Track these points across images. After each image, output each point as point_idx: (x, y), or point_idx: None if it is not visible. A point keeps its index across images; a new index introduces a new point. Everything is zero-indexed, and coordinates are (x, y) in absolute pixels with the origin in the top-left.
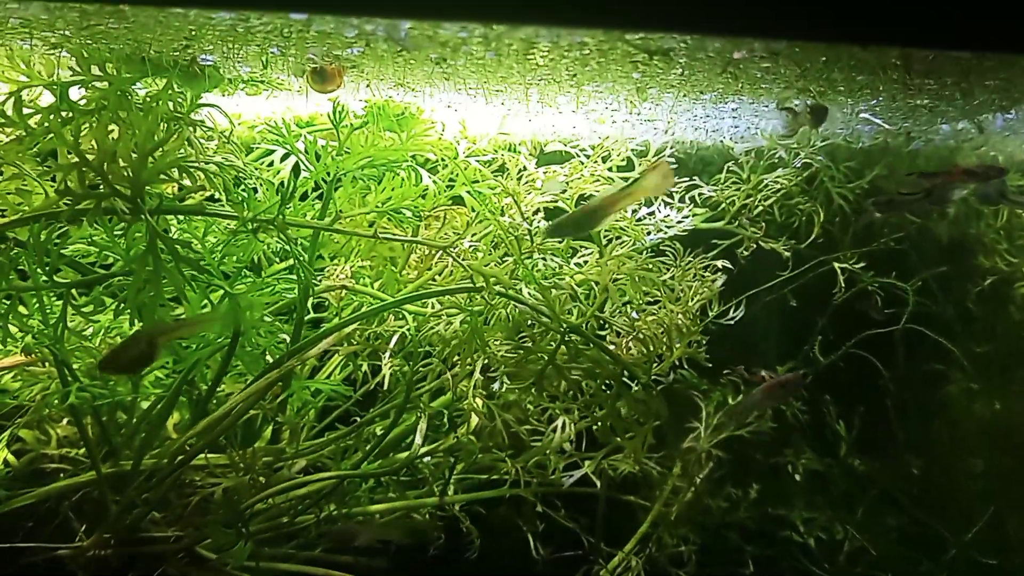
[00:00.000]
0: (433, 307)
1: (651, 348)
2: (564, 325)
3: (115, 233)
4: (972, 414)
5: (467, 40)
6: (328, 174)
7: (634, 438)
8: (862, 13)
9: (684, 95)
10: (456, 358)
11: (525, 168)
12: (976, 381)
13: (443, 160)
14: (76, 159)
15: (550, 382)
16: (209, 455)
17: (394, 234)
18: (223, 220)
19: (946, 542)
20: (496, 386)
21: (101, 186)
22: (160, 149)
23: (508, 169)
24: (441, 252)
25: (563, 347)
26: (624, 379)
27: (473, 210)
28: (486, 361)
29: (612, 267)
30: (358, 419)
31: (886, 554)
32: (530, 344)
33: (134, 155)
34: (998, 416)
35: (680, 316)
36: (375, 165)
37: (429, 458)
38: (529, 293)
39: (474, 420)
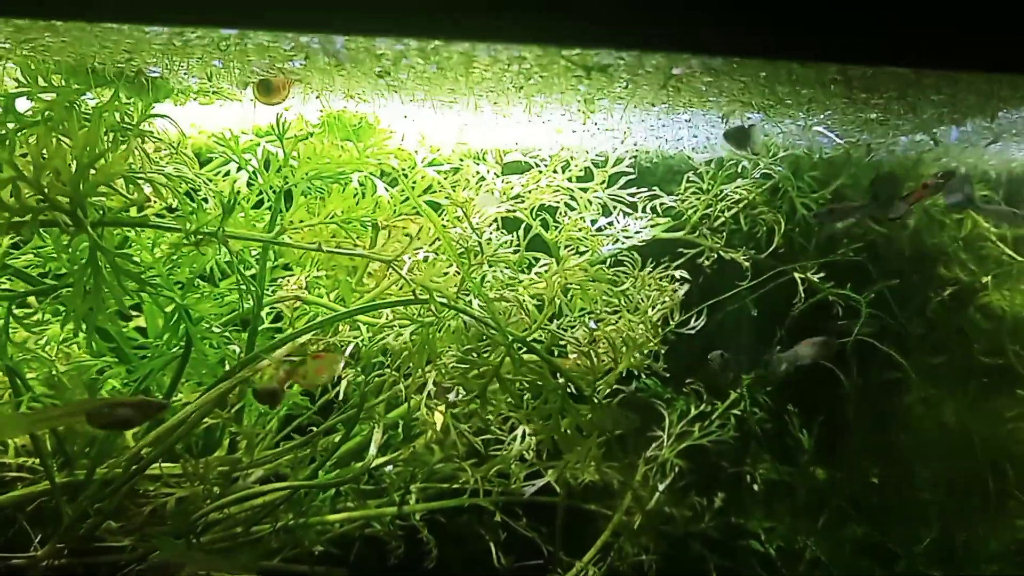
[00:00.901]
0: (387, 318)
1: (596, 360)
2: (509, 337)
3: (62, 244)
4: (931, 424)
5: (405, 53)
6: (277, 185)
7: (578, 451)
8: (796, 29)
9: (634, 107)
10: (408, 369)
11: (483, 178)
12: (934, 390)
13: (403, 171)
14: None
15: (496, 395)
16: (164, 464)
17: (342, 246)
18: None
19: (898, 554)
20: (452, 396)
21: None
22: (101, 160)
23: (465, 180)
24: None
25: (510, 359)
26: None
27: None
28: (437, 373)
29: (561, 277)
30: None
31: (842, 563)
32: (475, 357)
33: (74, 168)
34: (957, 426)
35: (640, 326)
36: (325, 177)
37: (391, 468)
38: (478, 305)
39: (438, 426)
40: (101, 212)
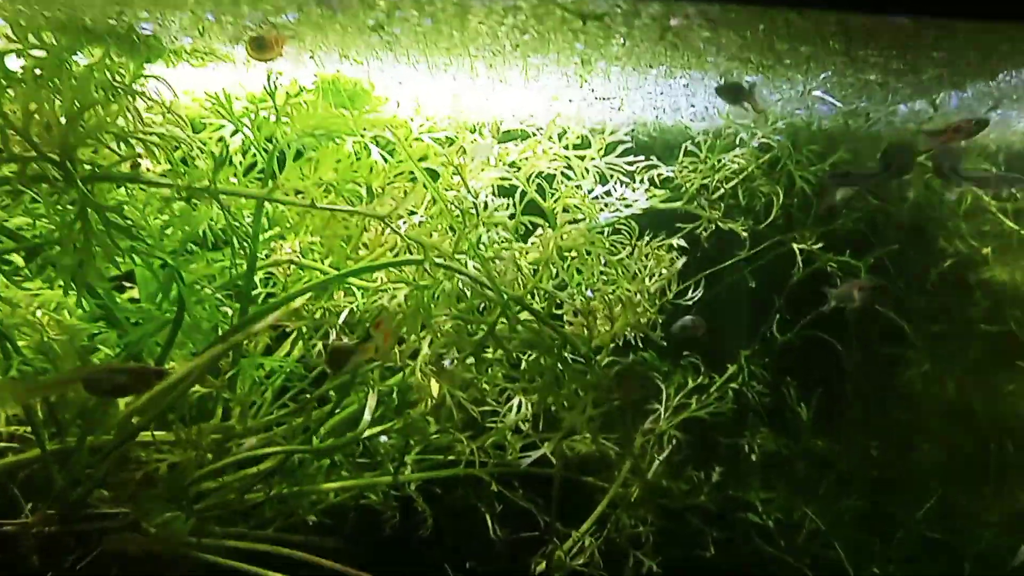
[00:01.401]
0: (382, 283)
1: (592, 320)
2: (504, 295)
3: (51, 200)
4: (930, 395)
5: (398, 3)
6: (269, 145)
7: (575, 410)
8: None
9: (632, 69)
10: (402, 332)
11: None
12: (933, 363)
13: (401, 138)
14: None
15: (492, 362)
16: (157, 432)
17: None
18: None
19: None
20: (447, 363)
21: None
22: (90, 113)
23: (460, 147)
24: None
25: (505, 320)
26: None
27: (424, 186)
28: (433, 334)
29: (556, 240)
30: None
31: (841, 534)
32: (470, 315)
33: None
34: (955, 397)
35: (637, 295)
36: (319, 134)
37: (386, 438)
38: (474, 267)
39: (435, 395)
40: (92, 169)
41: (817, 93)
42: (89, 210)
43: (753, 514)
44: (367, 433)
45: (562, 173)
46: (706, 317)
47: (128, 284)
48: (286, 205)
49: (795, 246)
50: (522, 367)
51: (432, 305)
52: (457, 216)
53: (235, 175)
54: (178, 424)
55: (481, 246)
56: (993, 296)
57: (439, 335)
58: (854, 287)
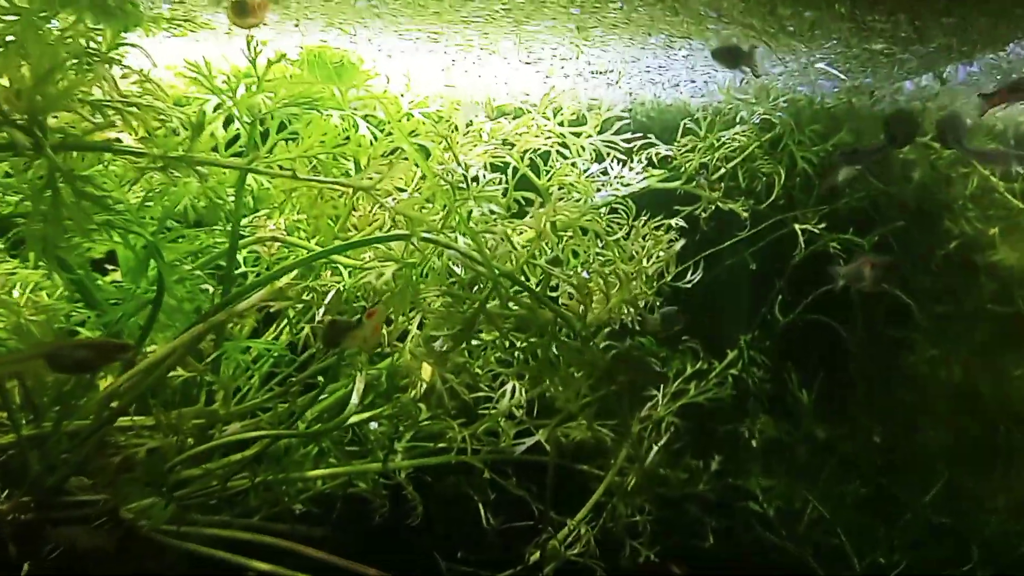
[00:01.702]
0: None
1: (589, 300)
2: (496, 271)
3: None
4: (935, 379)
5: None
6: (250, 114)
7: (569, 392)
8: None
9: (630, 38)
10: (390, 312)
11: (471, 121)
12: (939, 346)
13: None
14: None
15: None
16: (138, 417)
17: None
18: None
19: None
20: (438, 346)
21: None
22: (60, 78)
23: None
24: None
25: (496, 297)
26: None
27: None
28: (422, 312)
29: (548, 215)
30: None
31: (844, 521)
32: (460, 291)
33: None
34: (961, 381)
35: (634, 275)
36: (302, 103)
37: (376, 424)
38: (464, 243)
39: (426, 380)
40: (63, 137)
41: (821, 66)
42: (59, 179)
43: (753, 502)
44: (355, 419)
45: (557, 151)
46: (705, 300)
47: (112, 267)
48: (266, 176)
49: (797, 227)
50: (515, 348)
51: (421, 284)
52: (446, 190)
53: (217, 148)
54: (158, 408)
55: (472, 222)
56: (1000, 278)
57: (428, 315)
58: (865, 264)
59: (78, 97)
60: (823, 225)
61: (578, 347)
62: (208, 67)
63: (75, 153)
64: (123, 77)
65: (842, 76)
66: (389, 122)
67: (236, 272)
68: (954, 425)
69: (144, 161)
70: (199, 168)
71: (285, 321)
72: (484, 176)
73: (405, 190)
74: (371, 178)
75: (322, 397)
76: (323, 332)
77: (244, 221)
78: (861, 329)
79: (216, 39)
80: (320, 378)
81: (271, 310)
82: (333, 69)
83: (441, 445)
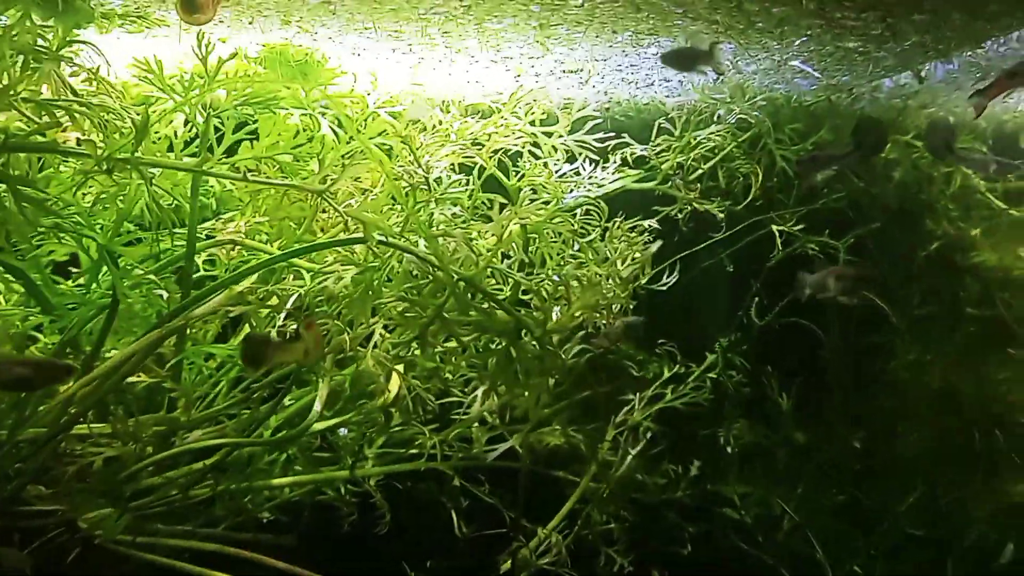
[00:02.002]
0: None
1: (546, 300)
2: (454, 276)
3: None
4: (916, 383)
5: None
6: (202, 111)
7: (532, 400)
8: None
9: (596, 36)
10: (351, 317)
11: (440, 122)
12: (920, 349)
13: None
14: None
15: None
16: (97, 424)
17: (269, 179)
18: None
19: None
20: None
21: None
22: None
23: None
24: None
25: (453, 301)
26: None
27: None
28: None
29: (516, 218)
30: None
31: (822, 529)
32: (417, 297)
33: None
34: (943, 385)
35: (608, 279)
36: (255, 102)
37: (345, 431)
38: (424, 246)
39: (393, 389)
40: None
41: (795, 63)
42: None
43: (731, 509)
44: (320, 426)
45: (529, 152)
46: (682, 303)
47: (76, 270)
48: (218, 178)
49: (775, 228)
50: (477, 353)
51: (385, 288)
52: (407, 192)
53: (172, 148)
54: (116, 415)
55: (435, 225)
56: (982, 280)
57: (388, 321)
58: (830, 275)
59: (22, 96)
60: (801, 226)
61: (537, 353)
62: (159, 65)
63: (23, 155)
64: (72, 75)
65: (816, 74)
66: (353, 121)
67: (194, 276)
68: (935, 430)
69: (90, 163)
70: (145, 169)
71: (247, 327)
72: (450, 177)
73: (371, 192)
74: (326, 180)
75: (289, 403)
76: (241, 350)
77: (207, 224)
78: (839, 333)
79: (173, 37)
80: (287, 384)
81: (230, 315)
82: (296, 67)
83: (413, 451)
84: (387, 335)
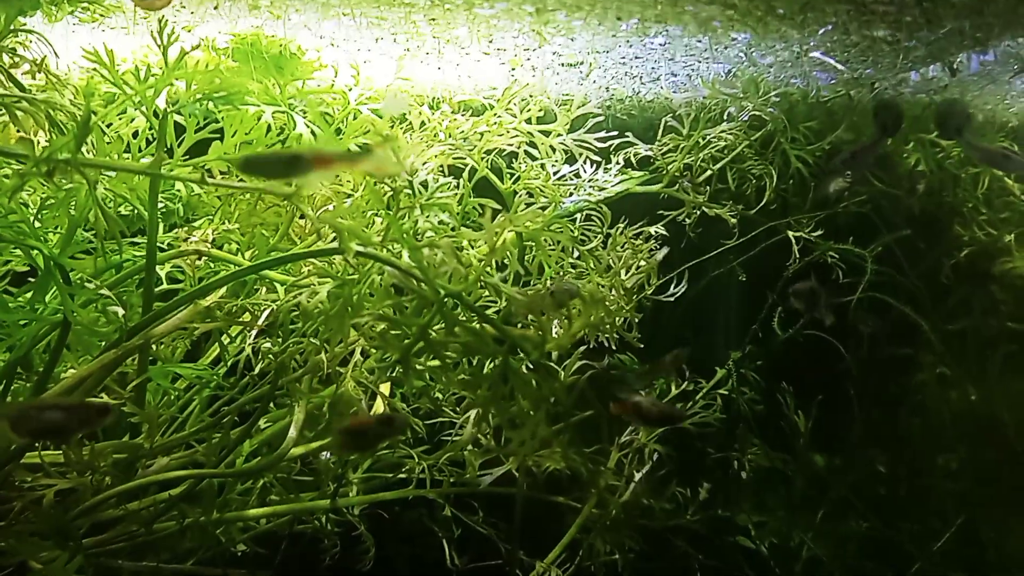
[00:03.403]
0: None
1: (542, 318)
2: (440, 291)
3: None
4: (946, 403)
5: None
6: (155, 104)
7: (523, 428)
8: None
9: (598, 23)
10: (328, 334)
11: (427, 120)
12: (949, 366)
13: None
14: None
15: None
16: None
17: (230, 183)
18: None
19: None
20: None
21: None
22: None
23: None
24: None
25: (441, 319)
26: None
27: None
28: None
29: (504, 225)
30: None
31: (845, 564)
32: (398, 316)
33: None
34: (974, 406)
35: (612, 291)
36: (217, 97)
37: (327, 455)
38: (408, 258)
39: (377, 410)
40: None
41: (816, 54)
42: None
43: (744, 538)
44: (298, 451)
45: (525, 152)
46: (690, 315)
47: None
48: (174, 181)
49: (791, 234)
50: (470, 369)
51: (366, 304)
52: (388, 197)
53: (131, 151)
54: (71, 444)
55: (420, 233)
56: (1016, 289)
57: (367, 341)
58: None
59: None
60: (820, 232)
61: (531, 377)
62: (110, 55)
63: None
64: (12, 67)
65: (840, 67)
66: (331, 120)
67: (157, 290)
68: (970, 456)
69: (27, 164)
70: (93, 173)
71: (232, 341)
72: (437, 180)
73: (349, 197)
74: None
75: (265, 425)
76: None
77: (173, 233)
78: (862, 346)
79: (136, 27)
80: (261, 405)
81: (196, 333)
82: (270, 60)
83: (400, 477)
84: (372, 350)
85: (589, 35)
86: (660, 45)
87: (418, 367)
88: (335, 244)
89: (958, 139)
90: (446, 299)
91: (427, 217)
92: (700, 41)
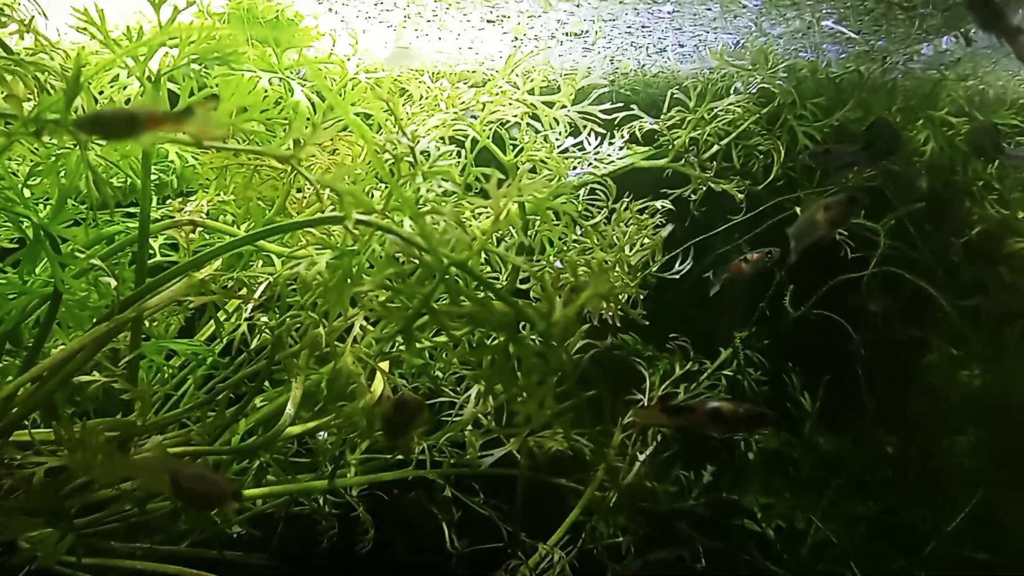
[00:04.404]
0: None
1: (551, 290)
2: (445, 260)
3: None
4: (957, 384)
5: None
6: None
7: (530, 400)
8: None
9: None
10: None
11: (428, 90)
12: (961, 345)
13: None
14: None
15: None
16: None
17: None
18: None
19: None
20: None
21: None
22: None
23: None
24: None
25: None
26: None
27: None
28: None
29: (511, 194)
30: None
31: (854, 547)
32: (402, 284)
33: None
34: (987, 386)
35: (615, 267)
36: (212, 59)
37: (325, 435)
38: (410, 226)
39: (376, 389)
40: None
41: (829, 24)
42: None
43: (751, 521)
44: (295, 430)
45: (527, 124)
46: (695, 293)
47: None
48: (167, 150)
49: (798, 211)
50: (471, 349)
51: (365, 275)
52: (389, 164)
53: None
54: (62, 420)
55: (422, 202)
56: None
57: (368, 312)
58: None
59: None
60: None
61: (540, 350)
62: (100, 14)
63: None
64: None
65: (853, 35)
66: (331, 89)
67: (151, 262)
68: (984, 437)
69: (15, 125)
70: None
71: (230, 315)
72: (439, 149)
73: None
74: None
75: (261, 404)
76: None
77: (168, 204)
78: (871, 326)
79: None
80: (256, 382)
81: (191, 307)
82: (266, 24)
83: (399, 458)
84: (369, 328)
85: (595, 1)
86: (668, 13)
87: (421, 342)
88: (333, 214)
89: (1001, 157)
90: (450, 269)
91: (430, 186)
92: (710, 9)
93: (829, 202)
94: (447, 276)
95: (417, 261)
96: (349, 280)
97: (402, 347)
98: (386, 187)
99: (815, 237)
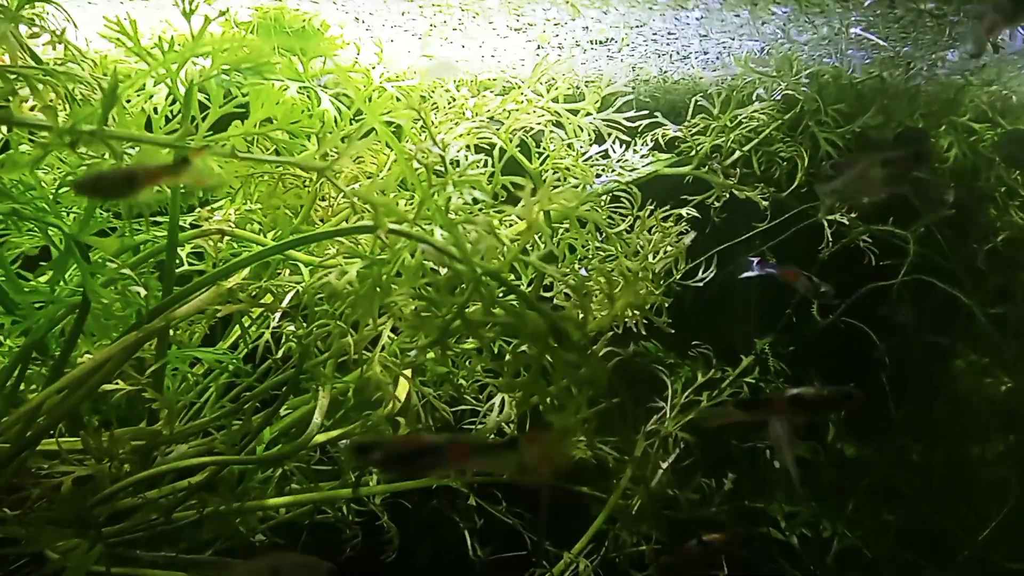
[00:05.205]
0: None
1: (583, 298)
2: (478, 269)
3: None
4: (986, 390)
5: None
6: (184, 83)
7: (565, 411)
8: None
9: None
10: (356, 316)
11: (453, 97)
12: (988, 352)
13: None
14: None
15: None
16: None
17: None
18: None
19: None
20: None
21: None
22: None
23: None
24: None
25: (478, 300)
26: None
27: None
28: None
29: (541, 202)
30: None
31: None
32: (435, 294)
33: None
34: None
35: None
36: (246, 69)
37: (347, 443)
38: (441, 236)
39: (400, 397)
40: None
41: (856, 31)
42: None
43: (775, 529)
44: (320, 438)
45: (551, 132)
46: (719, 300)
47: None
48: (196, 152)
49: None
50: (504, 358)
51: (394, 284)
52: (420, 173)
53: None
54: (88, 429)
55: (452, 211)
56: None
57: (399, 322)
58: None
59: None
60: (853, 215)
61: (575, 359)
62: (133, 25)
63: None
64: (31, 37)
65: (880, 41)
66: (360, 95)
67: (178, 271)
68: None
69: (50, 136)
70: (117, 145)
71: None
72: (467, 158)
73: (375, 176)
74: (326, 158)
75: (285, 413)
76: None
77: (194, 215)
78: (899, 333)
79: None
80: (283, 392)
81: (218, 315)
82: (293, 35)
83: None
84: (394, 337)
85: (624, 7)
86: (696, 20)
87: (452, 351)
88: (364, 223)
89: None
90: (483, 277)
91: (459, 195)
92: (738, 15)
93: (890, 156)
94: (480, 284)
95: (448, 270)
96: (379, 289)
97: (429, 354)
98: (412, 196)
99: (868, 196)
